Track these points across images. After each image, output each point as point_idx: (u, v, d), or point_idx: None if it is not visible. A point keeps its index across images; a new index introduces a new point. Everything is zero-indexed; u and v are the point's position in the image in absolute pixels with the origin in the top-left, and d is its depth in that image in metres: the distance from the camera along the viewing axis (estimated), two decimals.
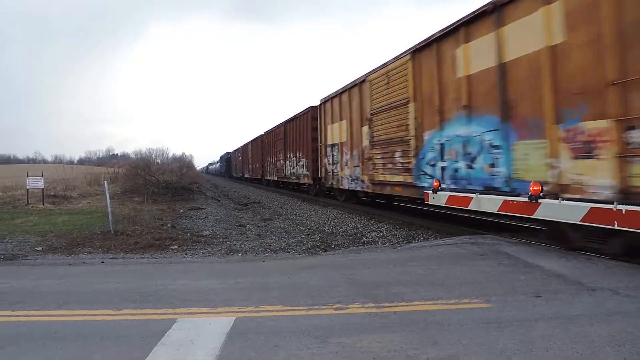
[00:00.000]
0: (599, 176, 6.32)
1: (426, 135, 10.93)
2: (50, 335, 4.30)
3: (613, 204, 5.94)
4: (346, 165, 16.62)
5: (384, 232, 11.64)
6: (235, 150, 56.62)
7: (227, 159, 70.45)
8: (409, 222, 12.55)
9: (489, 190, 8.55)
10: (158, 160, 38.86)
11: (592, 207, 6.26)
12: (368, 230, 12.00)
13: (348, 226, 13.08)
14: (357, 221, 13.89)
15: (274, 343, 3.93)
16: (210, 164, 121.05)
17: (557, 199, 6.86)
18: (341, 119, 16.99)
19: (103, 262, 8.01)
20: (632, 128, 5.90)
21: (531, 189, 7.21)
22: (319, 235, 11.59)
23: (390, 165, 12.88)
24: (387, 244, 10.06)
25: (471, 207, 8.90)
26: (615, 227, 5.93)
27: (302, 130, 23.45)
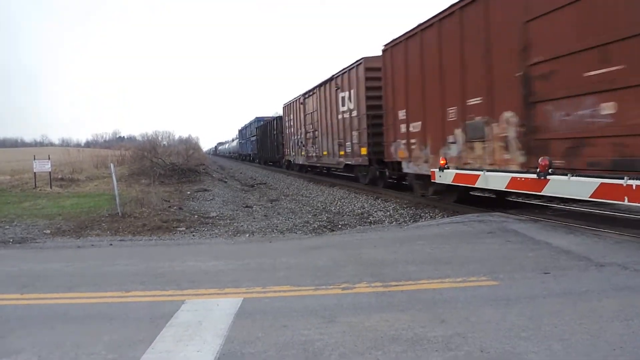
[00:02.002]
0: None
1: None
2: (60, 317, 4.33)
3: (623, 179, 5.86)
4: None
5: (391, 211, 11.62)
6: (296, 102, 24.93)
7: (260, 128, 37.37)
8: (416, 201, 12.51)
9: None
10: (164, 142, 38.73)
11: (601, 183, 6.18)
12: (375, 210, 11.98)
13: (355, 206, 13.06)
14: (364, 201, 13.87)
15: (282, 323, 3.94)
16: (220, 143, 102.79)
17: (567, 175, 6.76)
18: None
19: (111, 245, 8.07)
20: None
21: (540, 164, 7.12)
22: (326, 215, 11.59)
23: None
24: (394, 223, 10.05)
25: (478, 184, 8.84)
26: (626, 202, 5.87)
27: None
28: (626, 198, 5.84)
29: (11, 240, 8.67)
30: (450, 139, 9.93)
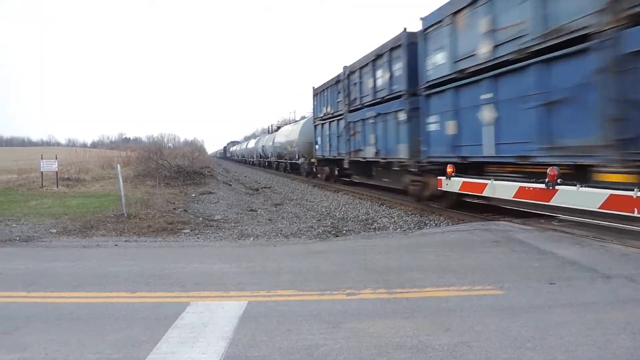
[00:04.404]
0: None
1: None
2: (65, 316, 4.35)
3: (633, 190, 5.84)
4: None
5: (395, 217, 11.60)
6: None
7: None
8: (421, 208, 12.49)
9: None
10: (170, 145, 39.01)
11: (611, 194, 6.16)
12: (379, 216, 11.96)
13: (359, 211, 13.05)
14: (369, 207, 13.86)
15: (286, 327, 3.93)
16: (233, 143, 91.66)
17: (575, 185, 6.75)
18: None
19: (117, 245, 8.09)
20: None
21: (549, 174, 7.10)
22: (330, 220, 11.59)
23: None
24: (399, 229, 10.03)
25: (485, 193, 8.82)
26: (635, 214, 5.84)
27: None
28: (636, 210, 5.82)
29: (18, 239, 8.72)
30: None
